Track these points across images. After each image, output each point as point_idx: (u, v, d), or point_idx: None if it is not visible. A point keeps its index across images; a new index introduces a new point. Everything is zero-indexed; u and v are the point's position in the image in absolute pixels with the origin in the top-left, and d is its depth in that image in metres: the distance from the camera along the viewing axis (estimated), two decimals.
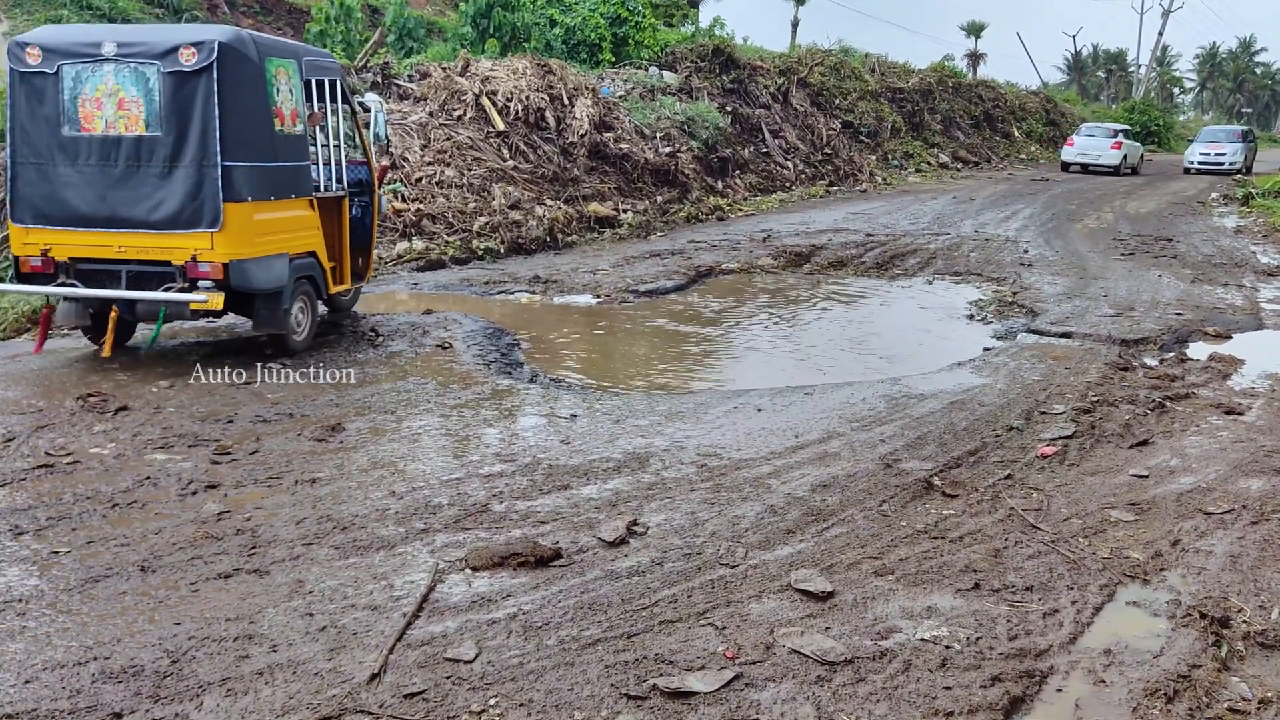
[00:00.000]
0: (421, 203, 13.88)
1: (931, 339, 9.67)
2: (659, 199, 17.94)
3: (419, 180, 14.36)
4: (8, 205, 7.28)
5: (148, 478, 5.29)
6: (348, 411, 6.57)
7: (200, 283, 6.91)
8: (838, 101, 28.86)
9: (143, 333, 8.03)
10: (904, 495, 5.37)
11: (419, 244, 13.01)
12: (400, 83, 17.42)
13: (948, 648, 3.79)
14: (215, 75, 6.76)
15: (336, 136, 8.22)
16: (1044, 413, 6.91)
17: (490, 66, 17.86)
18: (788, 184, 23.13)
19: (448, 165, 14.92)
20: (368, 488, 5.26)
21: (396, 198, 13.67)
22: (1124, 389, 7.53)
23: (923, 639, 3.85)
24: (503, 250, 13.42)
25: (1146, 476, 5.73)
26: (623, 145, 18.10)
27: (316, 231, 7.83)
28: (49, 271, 7.09)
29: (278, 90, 7.30)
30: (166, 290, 6.94)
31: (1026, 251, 14.72)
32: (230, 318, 8.01)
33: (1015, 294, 11.42)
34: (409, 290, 11.01)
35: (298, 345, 7.82)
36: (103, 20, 19.91)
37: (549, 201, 15.30)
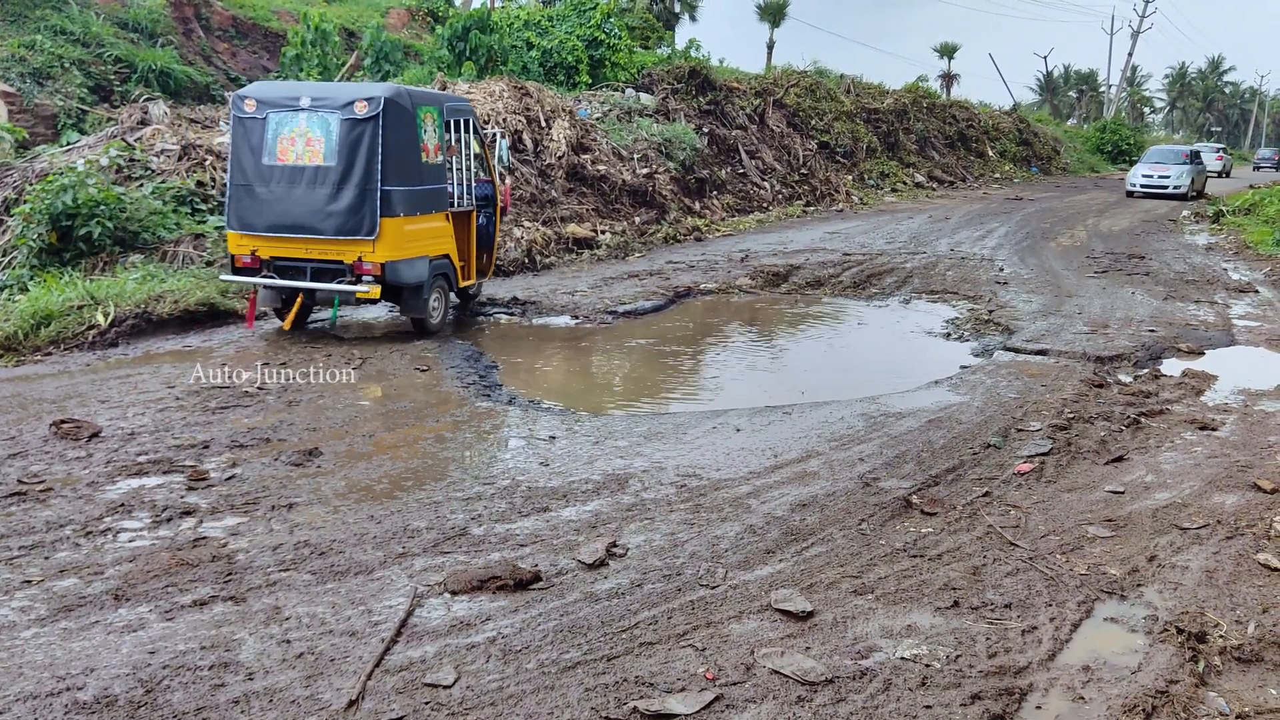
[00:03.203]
0: None
1: (909, 357, 9.72)
2: (637, 220, 17.99)
3: None
4: (226, 217, 9.24)
5: (121, 505, 5.23)
6: (325, 435, 6.53)
7: (363, 278, 8.86)
8: (814, 122, 29.08)
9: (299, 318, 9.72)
10: (883, 514, 5.38)
11: None
12: None
13: (927, 666, 3.79)
14: (381, 122, 8.67)
15: (467, 161, 10.26)
16: (1021, 430, 6.95)
17: (467, 89, 17.90)
18: (765, 204, 23.25)
19: None
20: (345, 512, 5.22)
21: None
22: (1099, 406, 7.59)
23: (903, 658, 3.85)
24: None
25: (1122, 492, 5.78)
26: (600, 166, 18.16)
27: (450, 239, 9.79)
28: (255, 267, 9.11)
29: (425, 130, 9.27)
30: (339, 283, 8.92)
31: (1002, 270, 14.84)
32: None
33: (991, 312, 11.50)
34: (388, 311, 10.97)
35: (434, 327, 9.68)
36: (76, 43, 19.83)
37: (527, 223, 15.30)
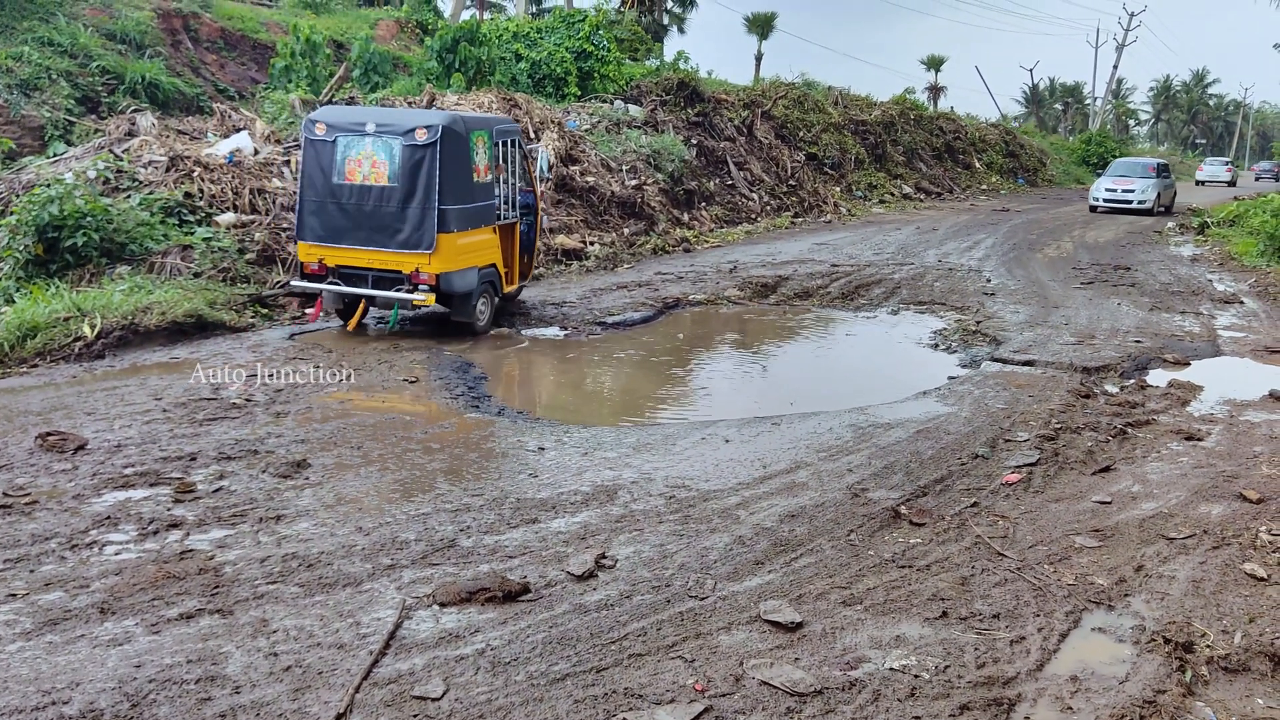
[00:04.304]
0: None
1: (897, 368, 9.75)
2: (626, 231, 18.01)
3: None
4: (296, 228, 10.28)
5: (107, 518, 5.21)
6: (313, 447, 6.51)
7: (420, 286, 9.75)
8: (802, 134, 29.19)
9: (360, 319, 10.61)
10: (871, 524, 5.39)
11: None
12: None
13: (916, 677, 3.80)
14: (438, 148, 9.55)
15: (512, 176, 11.11)
16: (1008, 440, 6.98)
17: (456, 101, 17.91)
18: (753, 215, 23.32)
19: None
20: (333, 524, 5.21)
21: None
22: (1086, 416, 7.62)
23: (891, 668, 3.86)
24: None
25: (1109, 503, 5.80)
26: (589, 178, 18.19)
27: (497, 250, 10.72)
28: (322, 274, 10.06)
29: (476, 153, 10.19)
30: (398, 290, 9.86)
31: (989, 281, 14.90)
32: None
33: (979, 323, 11.54)
34: (375, 324, 10.96)
35: (480, 329, 10.55)
36: (64, 55, 19.79)
37: None
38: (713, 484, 5.95)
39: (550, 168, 13.18)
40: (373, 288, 9.99)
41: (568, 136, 18.71)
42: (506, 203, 10.98)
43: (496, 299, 10.91)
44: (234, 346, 9.46)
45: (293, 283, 10.73)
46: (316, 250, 10.05)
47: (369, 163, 9.77)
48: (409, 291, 9.81)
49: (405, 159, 9.64)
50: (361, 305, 10.35)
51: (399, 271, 9.81)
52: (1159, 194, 28.54)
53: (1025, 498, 5.89)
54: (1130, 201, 28.05)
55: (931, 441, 6.92)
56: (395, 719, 3.45)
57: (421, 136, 9.59)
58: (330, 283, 10.06)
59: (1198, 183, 50.18)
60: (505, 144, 10.96)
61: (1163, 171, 30.12)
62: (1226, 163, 52.64)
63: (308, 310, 10.96)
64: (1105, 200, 28.53)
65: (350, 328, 10.33)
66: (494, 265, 10.68)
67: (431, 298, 9.79)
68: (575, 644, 4.00)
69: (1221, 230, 22.06)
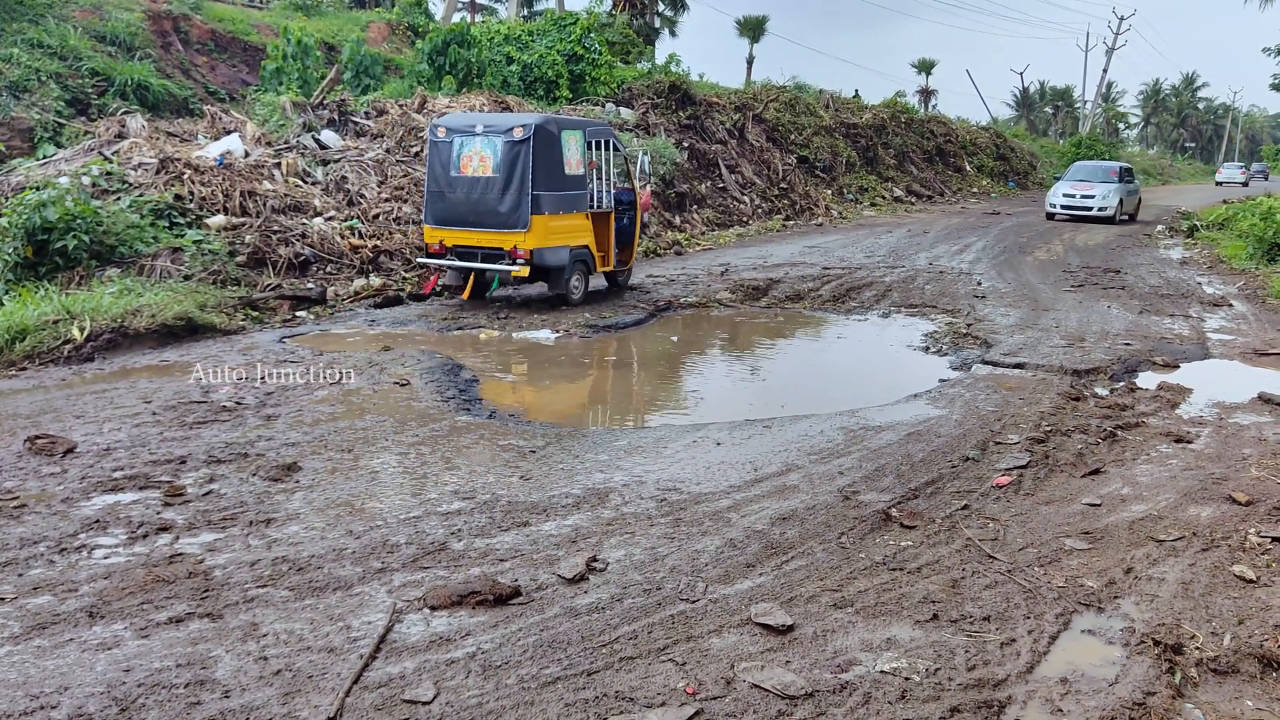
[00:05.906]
0: (379, 239, 13.85)
1: (888, 371, 9.76)
2: None
3: (376, 216, 14.32)
4: (424, 215, 12.19)
5: (96, 521, 5.19)
6: (304, 451, 6.49)
7: (517, 260, 11.51)
8: (793, 137, 29.24)
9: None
10: (862, 527, 5.39)
11: (376, 280, 12.97)
12: (357, 119, 17.41)
13: (907, 679, 3.80)
14: (532, 143, 11.34)
15: (608, 171, 12.96)
16: (999, 443, 6.99)
17: (447, 103, 17.91)
18: (745, 218, 23.35)
19: (404, 201, 14.91)
20: (324, 528, 5.19)
21: (353, 234, 13.64)
22: (1076, 419, 7.64)
23: (882, 671, 3.86)
24: None
25: (1099, 505, 5.81)
26: None
27: (589, 233, 12.45)
28: (441, 253, 12.05)
29: (568, 149, 11.92)
30: (500, 264, 11.64)
31: (980, 284, 14.94)
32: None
33: (969, 326, 11.57)
34: (366, 327, 10.95)
35: (574, 301, 12.32)
36: (54, 56, 19.73)
37: None
38: (704, 487, 5.95)
39: (650, 169, 15.13)
40: (481, 263, 11.77)
41: None
42: (601, 194, 12.70)
43: (598, 278, 12.84)
44: (224, 349, 9.43)
45: (418, 260, 12.96)
46: (438, 233, 11.92)
47: (478, 158, 11.56)
48: (508, 265, 11.50)
49: (506, 153, 11.38)
50: (471, 278, 12.11)
51: (501, 249, 11.53)
52: (1121, 200, 26.51)
53: (1015, 500, 5.91)
54: (1090, 208, 26.10)
55: (922, 444, 6.93)
56: None
57: (518, 134, 11.32)
58: (448, 259, 11.98)
59: (1217, 183, 57.53)
60: (598, 143, 12.66)
61: (1125, 176, 28.03)
62: (1241, 167, 60.86)
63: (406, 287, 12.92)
64: (1063, 207, 26.54)
65: (465, 297, 12.36)
66: (586, 246, 12.30)
67: (526, 270, 11.46)
68: (566, 647, 4.00)
69: (1210, 233, 22.16)
